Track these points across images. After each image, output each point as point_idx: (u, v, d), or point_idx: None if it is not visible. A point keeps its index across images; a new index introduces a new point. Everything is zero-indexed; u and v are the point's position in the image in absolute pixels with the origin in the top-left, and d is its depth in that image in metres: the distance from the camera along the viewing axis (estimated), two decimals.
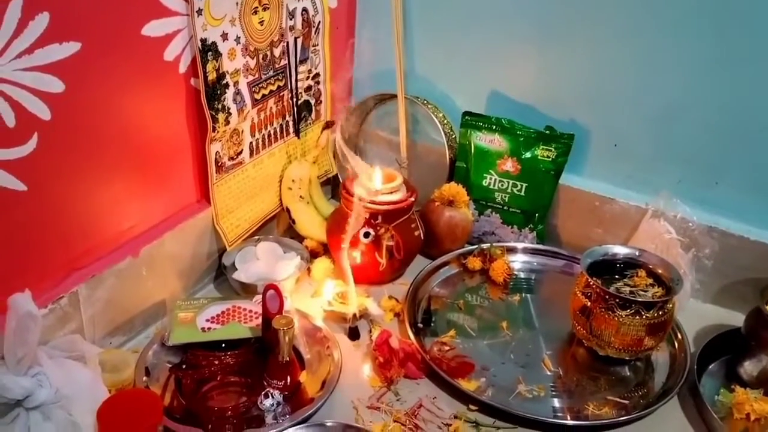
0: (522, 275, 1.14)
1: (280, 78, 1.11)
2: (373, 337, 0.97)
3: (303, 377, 0.91)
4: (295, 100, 1.15)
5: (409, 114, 1.26)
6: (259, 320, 0.92)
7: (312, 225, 1.16)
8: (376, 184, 1.05)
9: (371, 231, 1.04)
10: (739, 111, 0.99)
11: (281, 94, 1.12)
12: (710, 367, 0.95)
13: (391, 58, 1.21)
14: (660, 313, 0.90)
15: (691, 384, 0.89)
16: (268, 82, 1.08)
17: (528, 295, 1.09)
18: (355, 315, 0.99)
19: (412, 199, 1.07)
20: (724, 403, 0.88)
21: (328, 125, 1.19)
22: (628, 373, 0.95)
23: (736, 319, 0.97)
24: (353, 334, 1.00)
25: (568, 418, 0.87)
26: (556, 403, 0.89)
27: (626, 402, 0.89)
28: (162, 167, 0.97)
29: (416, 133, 1.27)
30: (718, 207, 1.04)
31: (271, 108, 1.11)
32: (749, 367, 0.90)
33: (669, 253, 1.04)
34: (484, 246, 1.15)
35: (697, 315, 1.04)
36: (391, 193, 1.06)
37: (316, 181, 1.20)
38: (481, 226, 1.20)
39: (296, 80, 1.14)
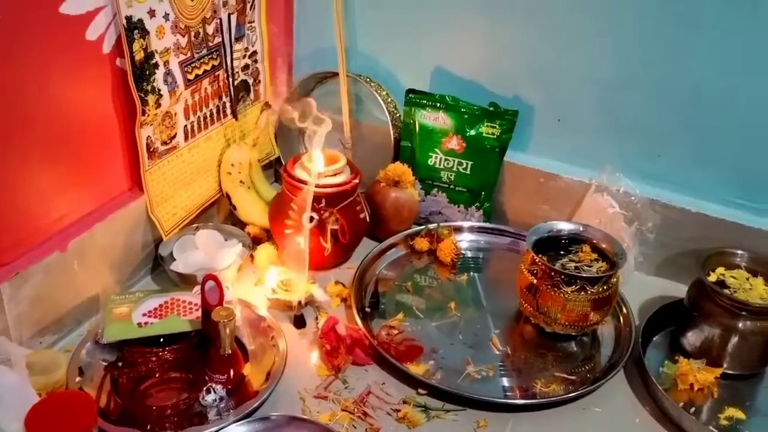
0: (469, 254, 1.13)
1: (215, 57, 1.06)
2: (320, 324, 0.95)
3: (247, 370, 0.88)
4: (231, 80, 1.10)
5: (352, 93, 1.22)
6: (199, 312, 0.88)
7: (254, 210, 1.12)
8: (318, 166, 1.02)
9: (315, 215, 1.01)
10: (679, 85, 1.00)
11: (216, 73, 1.07)
12: (655, 338, 0.96)
13: (332, 35, 1.17)
14: (604, 288, 0.90)
15: (636, 357, 0.90)
16: (201, 61, 1.03)
17: (476, 274, 1.09)
18: (300, 302, 0.96)
19: (357, 180, 1.04)
20: (668, 375, 0.89)
21: (268, 106, 1.15)
22: (575, 349, 0.95)
23: (679, 290, 0.98)
24: (299, 323, 0.97)
25: (517, 397, 0.86)
26: (505, 382, 0.89)
27: (574, 378, 0.90)
28: (89, 154, 0.92)
29: (360, 113, 1.24)
30: (660, 180, 1.05)
31: (206, 89, 1.06)
32: (692, 338, 0.92)
33: (612, 227, 1.04)
34: (431, 226, 1.13)
35: (641, 287, 1.06)
36: (335, 175, 1.03)
37: (257, 164, 1.15)
38: (427, 206, 1.19)
39: (232, 59, 1.09)
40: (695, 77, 0.98)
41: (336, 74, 1.18)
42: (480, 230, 1.16)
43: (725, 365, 0.88)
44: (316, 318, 0.98)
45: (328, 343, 0.90)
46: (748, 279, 0.91)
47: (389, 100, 1.19)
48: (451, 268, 1.10)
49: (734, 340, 0.87)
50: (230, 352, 0.85)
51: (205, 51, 1.03)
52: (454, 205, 1.18)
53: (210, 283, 0.86)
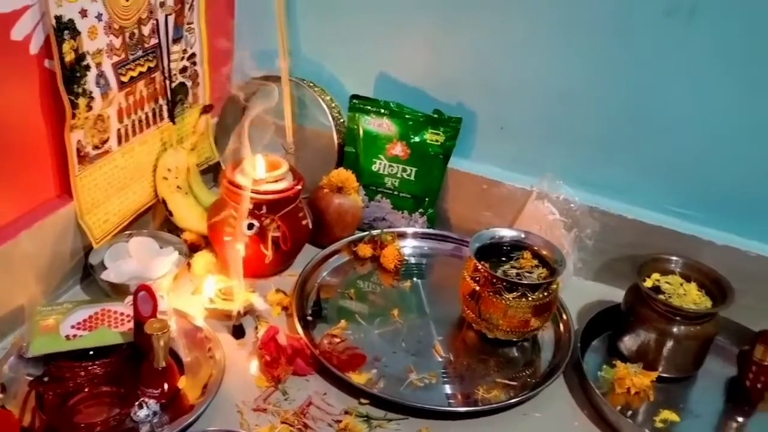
0: (413, 261, 1.13)
1: (151, 59, 1.02)
2: (259, 334, 0.92)
3: (182, 383, 0.85)
4: (168, 82, 1.07)
5: (295, 97, 1.20)
6: (132, 324, 0.84)
7: (191, 217, 1.09)
8: (259, 172, 1.00)
9: (255, 222, 0.98)
10: (619, 95, 1.02)
11: (152, 76, 1.04)
12: (593, 343, 0.98)
13: (275, 37, 1.15)
14: (545, 294, 0.91)
15: (575, 362, 0.92)
16: (136, 63, 0.99)
17: (419, 281, 1.08)
18: (239, 312, 0.94)
19: (299, 187, 1.02)
20: (606, 379, 0.90)
21: (207, 109, 1.12)
22: (517, 354, 0.96)
23: (617, 295, 1.00)
24: (238, 333, 0.94)
25: (459, 404, 0.86)
26: (448, 389, 0.89)
27: (515, 383, 0.90)
28: (14, 159, 0.87)
29: (303, 117, 1.22)
30: (599, 188, 1.07)
31: (141, 91, 1.02)
32: (629, 342, 0.93)
33: (552, 233, 1.05)
34: (375, 232, 1.13)
35: (580, 292, 1.07)
36: (276, 181, 1.01)
37: (195, 169, 1.12)
38: (371, 212, 1.18)
39: (169, 61, 1.06)
40: (633, 88, 1.01)
41: (278, 78, 1.16)
42: (423, 236, 1.16)
43: (660, 369, 0.90)
44: (256, 328, 0.96)
45: (267, 353, 0.88)
46: (682, 284, 0.93)
47: (333, 105, 1.18)
48: (395, 275, 1.09)
49: (669, 344, 0.89)
50: (164, 365, 0.82)
51: (140, 52, 1.00)
52: (397, 211, 1.17)
53: (142, 294, 0.83)
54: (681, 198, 1.03)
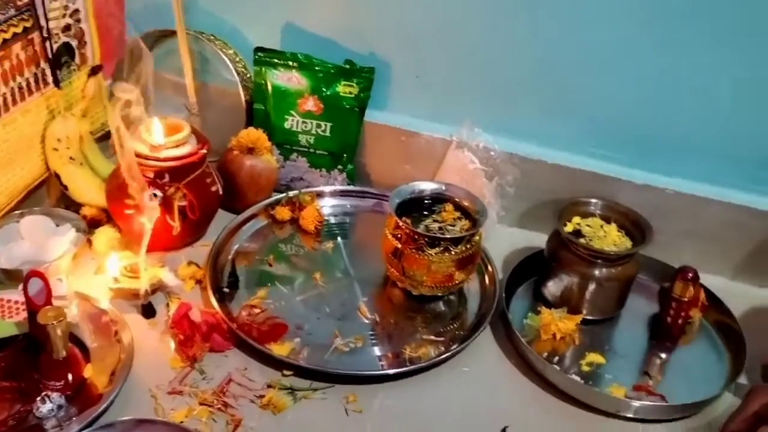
0: (333, 220, 1.08)
1: (26, 17, 0.91)
2: (171, 312, 0.86)
3: (88, 372, 0.79)
4: (49, 43, 0.96)
5: (196, 52, 1.12)
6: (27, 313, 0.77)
7: (89, 189, 1.00)
8: (157, 137, 0.92)
9: (158, 192, 0.91)
10: (532, 40, 0.98)
11: (30, 37, 0.93)
12: (519, 290, 0.97)
13: None
14: (467, 246, 0.89)
15: (501, 311, 0.90)
16: (9, 23, 0.89)
17: (341, 241, 1.04)
18: (147, 290, 0.87)
19: (204, 151, 0.95)
20: (532, 326, 0.90)
21: (95, 70, 1.02)
22: (443, 308, 0.94)
23: (541, 240, 0.99)
24: (148, 312, 0.88)
25: (387, 365, 0.84)
26: (376, 351, 0.86)
27: (442, 339, 0.88)
28: None
29: (206, 74, 1.14)
30: (518, 134, 1.04)
31: (18, 55, 0.91)
32: (552, 288, 0.93)
33: (474, 183, 1.03)
34: (292, 193, 1.07)
35: (505, 240, 1.06)
36: (178, 146, 0.93)
37: (89, 137, 1.03)
38: (287, 172, 1.12)
39: (47, 19, 0.94)
40: (549, 31, 0.97)
41: (175, 32, 1.07)
42: (343, 194, 1.11)
43: (584, 312, 0.90)
44: (167, 305, 0.89)
45: (180, 332, 0.82)
46: (602, 226, 0.93)
47: (237, 59, 1.10)
48: (316, 236, 1.05)
49: (591, 287, 0.89)
50: (65, 354, 0.75)
51: (12, 12, 0.89)
52: (315, 170, 1.12)
53: (33, 280, 0.75)
54: (599, 140, 1.02)
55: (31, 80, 0.95)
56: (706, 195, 0.99)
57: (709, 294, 0.92)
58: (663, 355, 0.88)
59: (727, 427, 0.71)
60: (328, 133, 1.09)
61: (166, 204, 0.92)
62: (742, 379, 0.84)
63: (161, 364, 0.82)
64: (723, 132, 0.96)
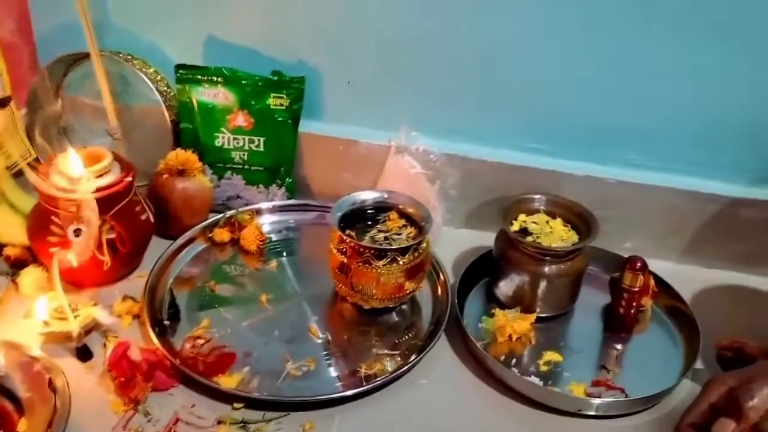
0: (276, 237, 1.04)
1: None
2: (108, 353, 0.81)
3: (22, 426, 0.73)
4: None
5: (114, 73, 1.06)
6: None
7: (9, 228, 0.93)
8: (75, 169, 0.86)
9: (83, 227, 0.85)
10: (460, 40, 0.97)
11: None
12: (471, 293, 0.95)
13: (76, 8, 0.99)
14: (415, 255, 0.87)
15: (455, 317, 0.88)
16: None
17: (285, 259, 1.00)
18: (80, 332, 0.82)
19: (129, 178, 0.89)
20: (487, 330, 0.88)
21: (4, 102, 0.95)
22: (396, 319, 0.91)
23: (489, 239, 0.97)
24: (83, 355, 0.82)
25: (342, 387, 0.80)
26: (330, 372, 0.82)
27: (397, 352, 0.86)
28: None
29: (128, 95, 1.08)
30: (455, 134, 1.03)
31: None
32: (504, 288, 0.92)
33: (416, 188, 1.01)
34: (230, 213, 1.03)
35: (452, 243, 1.04)
36: (100, 176, 0.88)
37: (4, 173, 0.96)
38: (223, 191, 1.07)
39: None
40: (476, 30, 0.96)
41: (88, 54, 1.01)
42: (283, 209, 1.07)
43: (538, 310, 0.89)
44: (105, 345, 0.84)
45: (119, 374, 0.77)
46: (548, 222, 0.92)
47: (159, 78, 1.05)
48: (259, 256, 1.01)
49: (543, 284, 0.88)
50: None
51: None
52: (252, 186, 1.07)
53: None
54: (538, 135, 1.01)
55: None
56: (646, 182, 0.99)
57: (658, 280, 0.93)
58: (619, 347, 0.88)
59: (684, 420, 0.70)
60: (261, 148, 1.05)
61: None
62: (699, 364, 0.84)
63: (102, 410, 0.76)
64: (658, 116, 0.97)
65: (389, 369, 0.83)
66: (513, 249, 0.89)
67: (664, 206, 1.00)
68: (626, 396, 0.80)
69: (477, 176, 1.02)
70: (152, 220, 0.94)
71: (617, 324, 0.89)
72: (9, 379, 0.77)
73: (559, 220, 0.92)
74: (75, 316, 0.84)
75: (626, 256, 0.96)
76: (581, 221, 0.91)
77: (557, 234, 0.90)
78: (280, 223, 1.06)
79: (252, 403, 0.77)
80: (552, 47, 0.95)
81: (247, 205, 1.07)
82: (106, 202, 0.86)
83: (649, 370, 0.84)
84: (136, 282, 0.93)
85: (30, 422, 0.74)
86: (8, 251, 0.93)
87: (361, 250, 0.85)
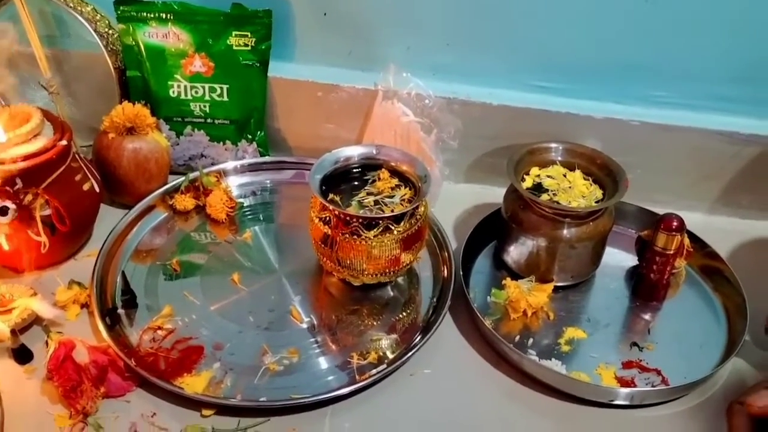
0: (248, 202, 0.90)
1: None
2: (50, 352, 0.68)
3: None
4: None
5: (47, 14, 0.89)
6: None
7: None
8: None
9: (9, 204, 0.71)
10: None
11: None
12: (477, 260, 0.82)
13: None
14: (412, 222, 0.73)
15: (460, 289, 0.76)
16: None
17: (259, 227, 0.87)
18: (14, 330, 0.68)
19: (64, 142, 0.74)
20: (498, 304, 0.76)
21: None
22: (392, 294, 0.79)
23: (495, 195, 0.85)
24: (21, 357, 0.69)
25: (332, 384, 0.68)
26: (318, 364, 0.70)
27: (395, 335, 0.73)
28: None
29: (65, 39, 0.91)
30: (453, 74, 0.88)
31: None
32: (515, 254, 0.79)
33: (410, 139, 0.87)
34: (192, 176, 0.88)
35: (454, 200, 0.91)
36: (28, 140, 0.72)
37: None
38: (183, 149, 0.92)
39: None
40: None
41: None
42: (254, 168, 0.93)
43: (555, 279, 0.77)
44: (47, 342, 0.71)
45: (62, 383, 0.64)
46: (565, 175, 0.79)
47: (98, 17, 0.88)
48: (229, 226, 0.87)
49: (561, 249, 0.75)
50: None
51: None
52: (218, 143, 0.92)
53: None
54: (547, 71, 0.87)
55: None
56: (675, 122, 0.86)
57: (691, 236, 0.80)
58: (648, 317, 0.76)
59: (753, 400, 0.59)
60: (225, 98, 0.89)
61: (23, 217, 0.72)
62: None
63: (45, 424, 0.64)
64: (688, 45, 0.82)
65: (387, 356, 0.71)
66: (525, 209, 0.76)
67: (694, 150, 0.87)
68: (662, 378, 0.69)
69: (480, 123, 0.88)
70: (97, 189, 0.79)
71: (648, 291, 0.77)
72: None
73: (578, 173, 0.79)
74: (10, 310, 0.70)
75: (651, 208, 0.84)
76: (605, 173, 0.77)
77: (577, 190, 0.76)
78: (252, 185, 0.92)
79: (224, 409, 0.65)
80: None
81: (212, 165, 0.92)
82: (36, 173, 0.72)
83: (686, 343, 0.72)
84: (84, 263, 0.79)
85: None
86: None
87: (348, 219, 0.71)
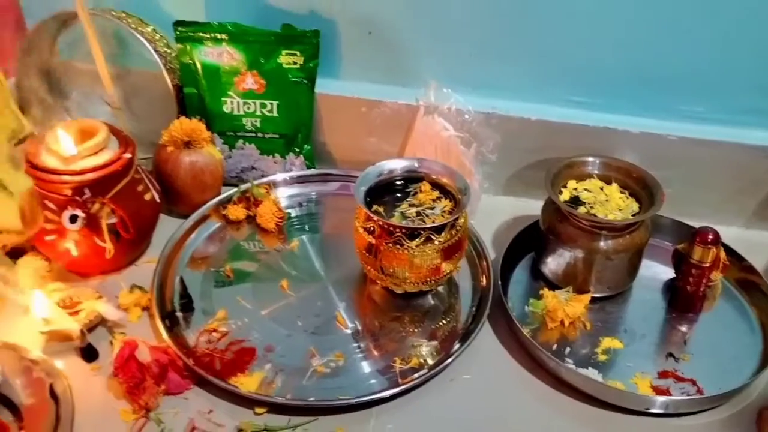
0: (295, 213, 0.95)
1: None
2: (115, 351, 0.73)
3: None
4: None
5: (109, 34, 0.95)
6: None
7: (4, 212, 0.85)
8: (66, 147, 0.76)
9: (79, 213, 0.76)
10: None
11: None
12: (515, 271, 0.85)
13: None
14: (453, 233, 0.76)
15: (498, 299, 0.79)
16: None
17: (306, 237, 0.91)
18: (82, 330, 0.74)
19: (128, 155, 0.79)
20: (536, 313, 0.79)
21: None
22: (432, 302, 0.82)
23: (532, 207, 0.88)
24: (88, 355, 0.74)
25: (376, 386, 0.71)
26: (363, 368, 0.74)
27: (435, 342, 0.76)
28: None
29: (127, 57, 0.97)
30: (492, 90, 0.91)
31: None
32: (552, 265, 0.81)
33: (450, 152, 0.90)
34: (244, 187, 0.93)
35: (491, 212, 0.94)
36: (96, 153, 0.78)
37: None
38: (235, 162, 0.97)
39: None
40: None
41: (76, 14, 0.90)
42: (302, 180, 0.97)
43: (592, 289, 0.79)
44: (111, 342, 0.76)
45: (126, 380, 0.69)
46: (602, 189, 0.81)
47: (158, 37, 0.93)
48: (278, 235, 0.91)
49: (598, 261, 0.77)
50: None
51: None
52: (267, 156, 0.97)
53: None
54: (585, 87, 0.89)
55: None
56: (711, 137, 0.87)
57: (726, 249, 0.81)
58: (685, 329, 0.78)
59: None
60: (275, 113, 0.94)
61: (91, 225, 0.78)
62: None
63: (110, 418, 0.69)
64: (722, 60, 0.84)
65: (428, 362, 0.74)
66: (563, 221, 0.79)
67: (731, 164, 0.88)
68: (698, 388, 0.70)
69: (518, 137, 0.91)
70: (158, 199, 0.84)
71: (684, 303, 0.79)
72: (8, 385, 0.70)
73: (615, 186, 0.81)
74: (78, 312, 0.76)
75: (686, 221, 0.86)
76: (641, 187, 0.80)
77: (614, 203, 0.79)
78: (299, 196, 0.97)
79: (276, 407, 0.69)
80: None
81: (262, 177, 0.97)
82: (103, 184, 0.77)
83: (722, 355, 0.74)
84: (145, 268, 0.84)
85: None
86: (4, 239, 0.85)
87: (392, 229, 0.75)
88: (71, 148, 0.76)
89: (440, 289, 0.83)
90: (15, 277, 0.80)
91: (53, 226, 0.78)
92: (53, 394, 0.69)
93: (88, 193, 0.77)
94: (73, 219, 0.76)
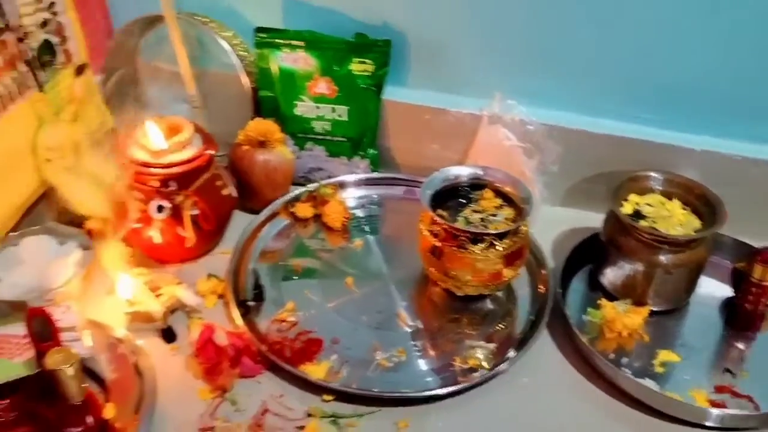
0: (360, 213, 0.99)
1: None
2: (193, 334, 0.78)
3: (109, 411, 0.71)
4: (26, 42, 0.85)
5: (192, 37, 1.00)
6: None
7: (91, 201, 0.90)
8: (155, 141, 0.82)
9: (165, 203, 0.82)
10: None
11: (2, 38, 0.82)
12: (573, 280, 0.87)
13: None
14: (515, 240, 0.79)
15: (556, 306, 0.81)
16: None
17: (371, 237, 0.95)
18: (165, 313, 0.79)
19: (211, 151, 0.85)
20: (593, 323, 0.81)
21: (81, 69, 0.91)
22: (491, 306, 0.85)
23: (592, 219, 0.90)
24: (168, 336, 0.80)
25: (436, 383, 0.75)
26: (422, 365, 0.77)
27: (493, 345, 0.79)
28: None
29: (205, 60, 1.03)
30: (556, 103, 0.93)
31: None
32: (611, 276, 0.83)
33: (512, 161, 0.93)
34: (312, 187, 0.97)
35: (551, 222, 0.96)
36: (183, 148, 0.84)
37: (84, 142, 0.93)
38: (304, 163, 1.02)
39: (18, 15, 0.84)
40: None
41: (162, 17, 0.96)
42: (368, 183, 1.01)
43: (650, 303, 0.81)
44: (188, 326, 0.81)
45: (205, 361, 0.74)
46: (664, 204, 0.83)
47: (237, 42, 0.99)
48: (343, 233, 0.95)
49: (658, 275, 0.79)
50: (81, 398, 0.67)
51: None
52: (334, 158, 1.02)
53: (37, 320, 0.67)
54: (649, 103, 0.91)
55: (13, 86, 0.85)
56: None
57: None
58: (742, 347, 0.79)
59: None
60: (345, 117, 0.98)
61: (175, 215, 0.83)
62: None
63: (189, 396, 0.74)
64: None
65: (485, 364, 0.77)
66: (624, 234, 0.81)
67: None
68: (754, 404, 0.72)
69: (580, 149, 0.93)
70: (234, 194, 0.90)
71: (743, 321, 0.80)
72: (95, 360, 0.76)
73: (676, 202, 0.83)
74: (159, 296, 0.81)
75: (748, 240, 0.87)
76: (703, 204, 0.81)
77: (675, 218, 0.81)
78: (364, 198, 1.01)
79: (342, 395, 0.73)
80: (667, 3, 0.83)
81: (328, 177, 1.01)
82: (187, 177, 0.83)
83: None
84: (220, 258, 0.89)
85: (117, 407, 0.72)
86: (91, 224, 0.91)
87: (456, 233, 0.78)
88: (162, 142, 0.82)
89: (499, 294, 0.86)
90: (101, 259, 0.86)
91: (139, 214, 0.83)
92: (138, 371, 0.75)
93: (173, 186, 0.82)
94: (160, 209, 0.82)
